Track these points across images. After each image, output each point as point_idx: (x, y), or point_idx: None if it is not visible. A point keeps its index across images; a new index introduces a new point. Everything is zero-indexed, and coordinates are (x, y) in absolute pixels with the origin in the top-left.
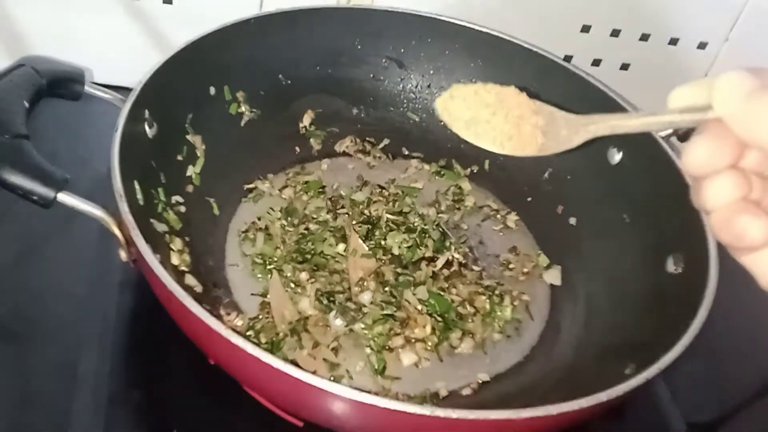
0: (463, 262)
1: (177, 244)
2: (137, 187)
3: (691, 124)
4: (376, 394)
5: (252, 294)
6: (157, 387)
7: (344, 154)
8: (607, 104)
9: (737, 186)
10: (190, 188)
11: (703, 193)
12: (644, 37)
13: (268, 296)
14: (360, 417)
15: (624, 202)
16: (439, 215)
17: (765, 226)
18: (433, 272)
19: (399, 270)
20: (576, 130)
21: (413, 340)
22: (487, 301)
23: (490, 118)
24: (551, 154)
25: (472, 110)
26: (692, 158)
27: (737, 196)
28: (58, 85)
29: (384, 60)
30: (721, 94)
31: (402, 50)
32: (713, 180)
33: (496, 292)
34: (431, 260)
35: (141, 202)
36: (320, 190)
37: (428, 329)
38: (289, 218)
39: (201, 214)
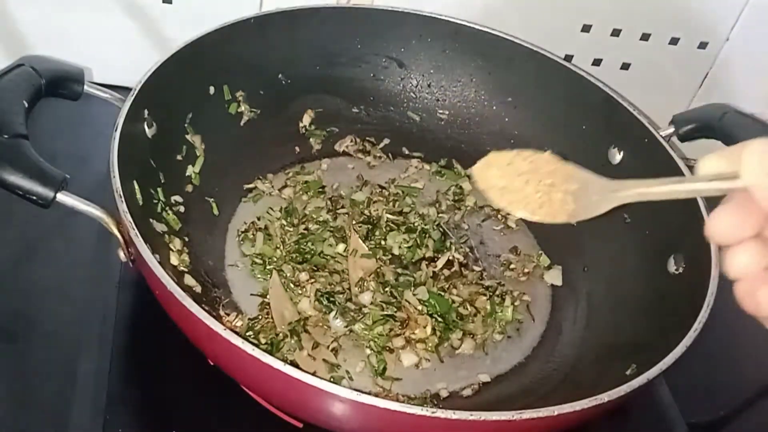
0: (464, 262)
1: (176, 244)
2: (136, 187)
3: (718, 193)
4: (376, 395)
5: (251, 294)
6: (156, 387)
7: (344, 153)
8: (607, 104)
9: (761, 256)
10: (189, 188)
11: (727, 262)
12: (645, 37)
13: (268, 296)
14: (360, 418)
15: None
16: (440, 215)
17: None
18: (434, 272)
19: (399, 270)
20: (606, 196)
21: (414, 341)
22: (488, 301)
23: (523, 187)
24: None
25: (507, 179)
26: (717, 227)
27: (761, 266)
28: (58, 84)
29: (384, 59)
30: (749, 165)
31: (402, 50)
32: (737, 250)
33: (497, 292)
34: (432, 260)
35: (140, 202)
36: (320, 190)
37: (429, 330)
38: (288, 218)
39: (200, 214)
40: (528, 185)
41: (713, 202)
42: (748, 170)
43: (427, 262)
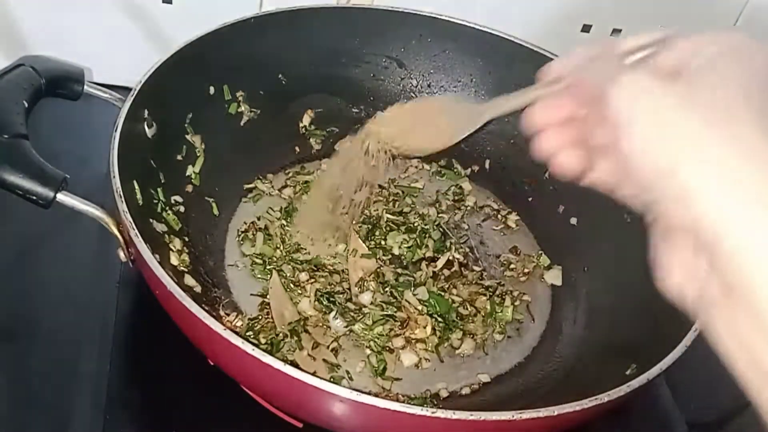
0: (464, 262)
1: (176, 244)
2: (136, 187)
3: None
4: (376, 395)
5: (251, 294)
6: (156, 387)
7: None
8: None
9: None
10: (189, 188)
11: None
12: None
13: (268, 297)
14: (360, 418)
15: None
16: (440, 215)
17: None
18: (434, 272)
19: (399, 270)
20: (475, 116)
21: (414, 341)
22: (488, 301)
23: (412, 130)
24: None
25: (398, 127)
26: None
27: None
28: (57, 84)
29: (384, 59)
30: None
31: (402, 50)
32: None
33: (497, 292)
34: (432, 260)
35: (140, 202)
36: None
37: (429, 330)
38: (288, 218)
39: (200, 214)
40: (416, 127)
41: None
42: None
43: (427, 262)
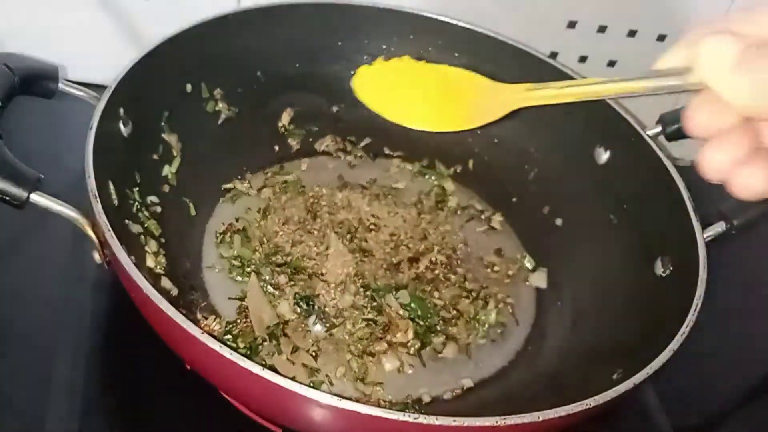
0: (447, 264)
1: (152, 245)
2: (112, 187)
3: (666, 91)
4: (357, 400)
5: (229, 297)
6: (132, 392)
7: (324, 153)
8: (593, 102)
9: (737, 147)
10: (166, 188)
11: (704, 155)
12: (631, 33)
13: (246, 300)
14: (340, 424)
15: (611, 203)
16: (422, 216)
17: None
18: (416, 275)
19: (380, 273)
20: (509, 98)
21: (395, 345)
22: (471, 304)
23: (411, 96)
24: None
25: (392, 89)
26: (694, 120)
27: (736, 156)
28: (31, 82)
29: (365, 57)
30: (706, 62)
31: (384, 47)
32: (714, 143)
33: (480, 295)
34: (413, 262)
35: (115, 203)
36: (300, 190)
37: (410, 334)
38: (267, 219)
39: (177, 215)
40: (416, 94)
41: (701, 203)
42: (705, 68)
43: (408, 265)
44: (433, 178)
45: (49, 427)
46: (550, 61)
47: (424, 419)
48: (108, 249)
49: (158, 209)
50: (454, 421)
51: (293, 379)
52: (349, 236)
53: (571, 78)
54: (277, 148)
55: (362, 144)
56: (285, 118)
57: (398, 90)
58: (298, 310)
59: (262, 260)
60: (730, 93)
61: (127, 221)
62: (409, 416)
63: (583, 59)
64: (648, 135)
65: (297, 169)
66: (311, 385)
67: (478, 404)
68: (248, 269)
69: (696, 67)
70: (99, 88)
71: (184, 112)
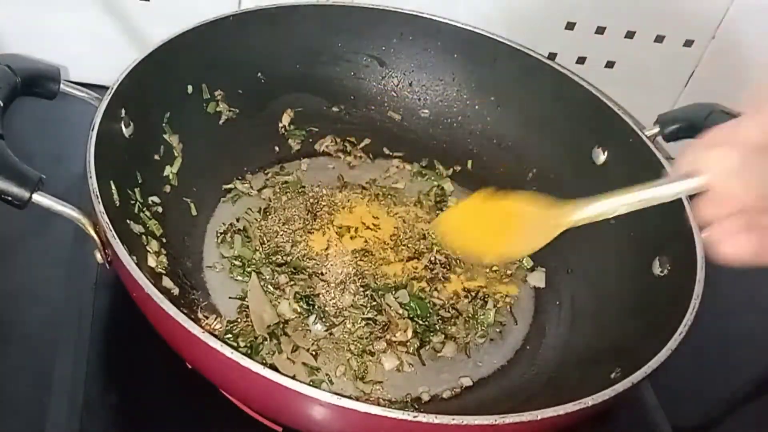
0: (446, 263)
1: (154, 245)
2: (113, 187)
3: (678, 196)
4: (357, 398)
5: (230, 297)
6: (133, 391)
7: (324, 153)
8: (592, 103)
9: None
10: (167, 188)
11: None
12: (629, 35)
13: (247, 299)
14: (340, 422)
15: None
16: (421, 216)
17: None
18: (415, 274)
19: (380, 272)
20: (556, 222)
21: (395, 344)
22: (470, 304)
23: (479, 233)
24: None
25: (465, 229)
26: (699, 214)
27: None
28: (33, 83)
29: (365, 58)
30: (713, 169)
31: (383, 48)
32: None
33: (479, 294)
34: (413, 262)
35: (117, 203)
36: (300, 190)
37: (410, 333)
38: (268, 219)
39: (178, 215)
40: (482, 232)
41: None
42: (710, 175)
43: (408, 264)
44: (432, 178)
45: (49, 427)
46: (549, 61)
47: (423, 418)
48: (109, 249)
49: (159, 209)
50: (453, 419)
51: (293, 377)
52: (349, 236)
53: (570, 79)
54: (277, 148)
55: (362, 144)
56: (285, 118)
57: (473, 231)
58: (298, 309)
59: (262, 260)
60: (732, 191)
61: (128, 221)
62: (409, 415)
63: (581, 60)
64: (646, 135)
65: (297, 170)
66: (311, 383)
67: (477, 403)
68: (249, 269)
69: (703, 173)
70: (100, 89)
71: (185, 112)
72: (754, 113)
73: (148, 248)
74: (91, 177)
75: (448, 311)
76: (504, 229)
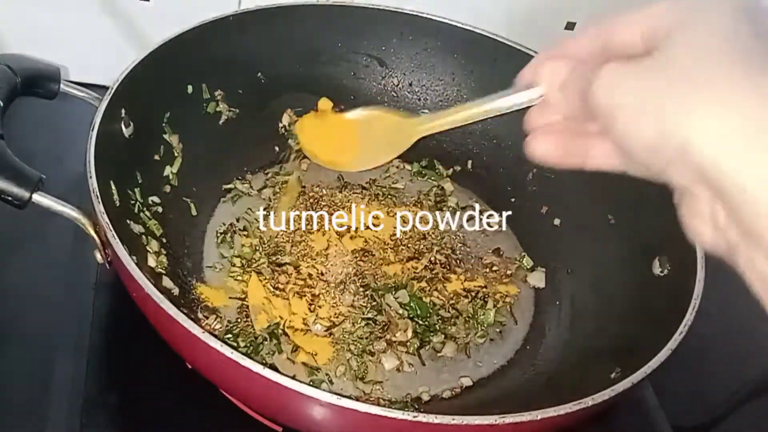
0: (446, 263)
1: (154, 245)
2: (113, 187)
3: (520, 106)
4: (357, 398)
5: (230, 297)
6: (133, 391)
7: None
8: None
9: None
10: (167, 188)
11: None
12: None
13: (247, 299)
14: (340, 422)
15: (609, 203)
16: (421, 216)
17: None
18: (415, 274)
19: (380, 272)
20: (407, 133)
21: (395, 344)
22: (470, 304)
23: (332, 141)
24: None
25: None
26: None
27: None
28: (33, 83)
29: (365, 58)
30: (545, 81)
31: (383, 48)
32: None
33: (479, 294)
34: (413, 262)
35: (117, 203)
36: (300, 190)
37: (410, 333)
38: (267, 219)
39: (178, 215)
40: (336, 139)
41: None
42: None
43: (408, 264)
44: (432, 178)
45: (50, 428)
46: None
47: (423, 418)
48: (109, 249)
49: (159, 209)
50: (453, 419)
51: (293, 378)
52: (349, 236)
53: None
54: (277, 148)
55: None
56: (285, 119)
57: (327, 141)
58: (299, 309)
59: (262, 260)
60: (557, 100)
61: (128, 221)
62: (409, 415)
63: None
64: None
65: (297, 170)
66: (311, 383)
67: (477, 403)
68: (249, 269)
69: (539, 84)
70: (100, 89)
71: (185, 112)
72: (589, 27)
73: (148, 248)
74: (91, 177)
75: (448, 311)
76: (360, 137)
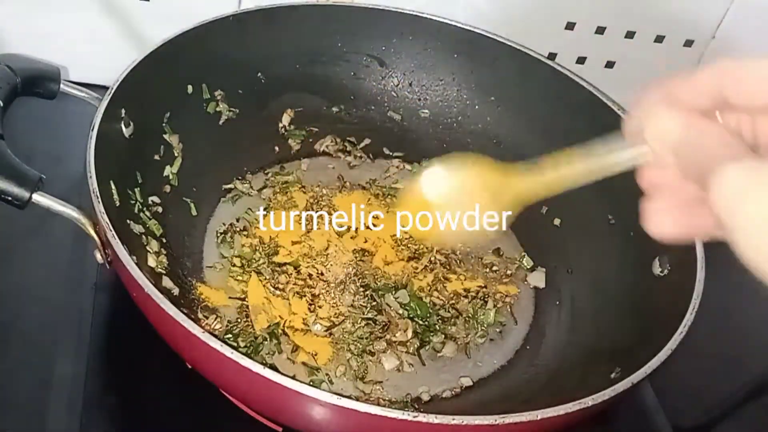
0: (446, 263)
1: (154, 245)
2: (113, 187)
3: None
4: (357, 398)
5: (230, 297)
6: (134, 391)
7: (324, 153)
8: (591, 103)
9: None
10: (167, 188)
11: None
12: (630, 35)
13: (247, 299)
14: (340, 422)
15: (609, 203)
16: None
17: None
18: (415, 274)
19: (380, 272)
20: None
21: (395, 344)
22: (470, 304)
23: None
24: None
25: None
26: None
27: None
28: (33, 83)
29: (365, 58)
30: (652, 139)
31: (383, 48)
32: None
33: (479, 294)
34: (413, 261)
35: (117, 203)
36: (300, 190)
37: (410, 333)
38: (268, 219)
39: (178, 215)
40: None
41: None
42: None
43: (408, 264)
44: None
45: (50, 428)
46: (549, 61)
47: (423, 418)
48: (109, 249)
49: (159, 209)
50: (453, 419)
51: (293, 378)
52: (349, 236)
53: (570, 79)
54: (277, 148)
55: (362, 144)
56: (285, 118)
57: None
58: (299, 309)
59: (262, 260)
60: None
61: (128, 221)
62: (409, 415)
63: (581, 60)
64: None
65: (297, 170)
66: (311, 383)
67: (477, 403)
68: (249, 269)
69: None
70: (100, 89)
71: (185, 112)
72: (712, 65)
73: (148, 248)
74: (91, 177)
75: (448, 311)
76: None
